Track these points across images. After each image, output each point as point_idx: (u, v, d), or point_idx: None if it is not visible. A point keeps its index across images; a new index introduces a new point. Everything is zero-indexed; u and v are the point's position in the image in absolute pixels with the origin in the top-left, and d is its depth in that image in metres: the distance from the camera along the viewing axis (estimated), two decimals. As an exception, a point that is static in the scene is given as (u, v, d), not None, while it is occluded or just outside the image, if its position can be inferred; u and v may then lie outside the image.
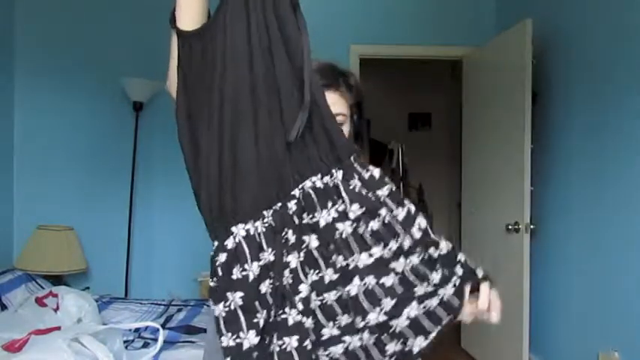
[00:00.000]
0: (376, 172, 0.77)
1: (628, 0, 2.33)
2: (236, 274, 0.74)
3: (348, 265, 0.73)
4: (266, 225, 0.76)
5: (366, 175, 0.76)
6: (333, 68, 1.11)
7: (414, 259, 0.76)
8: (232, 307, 0.73)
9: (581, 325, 2.63)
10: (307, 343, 0.73)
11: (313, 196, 0.75)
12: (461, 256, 0.81)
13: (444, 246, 0.79)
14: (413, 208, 0.77)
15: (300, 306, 0.73)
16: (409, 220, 0.75)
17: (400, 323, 0.74)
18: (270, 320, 0.74)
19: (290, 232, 0.75)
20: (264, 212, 0.76)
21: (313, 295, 0.73)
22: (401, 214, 0.75)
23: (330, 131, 0.78)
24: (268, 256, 0.75)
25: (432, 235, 0.78)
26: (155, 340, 1.97)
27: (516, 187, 2.87)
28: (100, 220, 3.30)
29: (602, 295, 2.46)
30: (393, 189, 0.77)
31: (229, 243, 0.76)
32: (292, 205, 0.75)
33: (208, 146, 0.78)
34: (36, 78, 3.20)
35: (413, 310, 0.74)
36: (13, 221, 3.16)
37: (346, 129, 1.13)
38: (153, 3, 3.53)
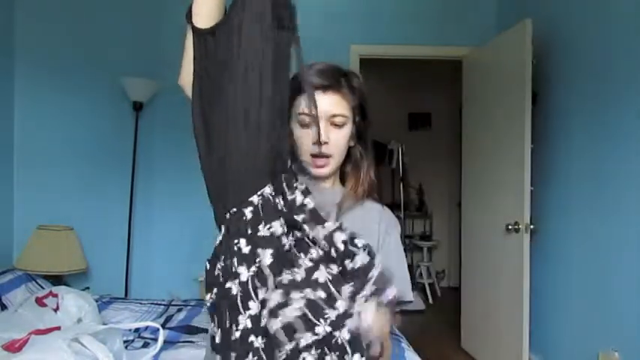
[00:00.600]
0: (299, 197, 0.79)
1: (628, 0, 2.33)
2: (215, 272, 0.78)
3: (291, 279, 0.74)
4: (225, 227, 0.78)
5: (290, 198, 0.78)
6: (336, 70, 1.11)
7: (333, 270, 0.77)
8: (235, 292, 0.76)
9: (581, 325, 2.63)
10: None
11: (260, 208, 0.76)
12: (374, 272, 0.80)
13: (359, 259, 0.79)
14: (332, 227, 0.78)
15: (249, 323, 0.74)
16: (329, 237, 0.77)
17: (342, 335, 0.74)
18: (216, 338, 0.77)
19: (243, 241, 0.76)
20: (227, 215, 0.78)
21: (264, 312, 0.74)
22: (322, 232, 0.77)
23: (277, 145, 0.79)
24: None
25: (350, 248, 0.79)
26: (155, 340, 1.96)
27: (516, 187, 2.87)
28: (100, 220, 3.30)
29: (602, 295, 2.46)
30: (312, 211, 0.79)
31: (218, 239, 0.79)
32: (248, 213, 0.76)
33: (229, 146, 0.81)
34: (36, 78, 3.20)
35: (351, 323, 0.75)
36: (13, 221, 3.16)
37: (347, 130, 1.13)
38: (153, 3, 3.54)
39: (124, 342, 1.79)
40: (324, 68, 1.07)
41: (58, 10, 3.26)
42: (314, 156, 1.07)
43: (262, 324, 0.73)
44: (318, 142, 1.04)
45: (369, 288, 0.78)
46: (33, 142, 3.20)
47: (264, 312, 0.73)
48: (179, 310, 2.58)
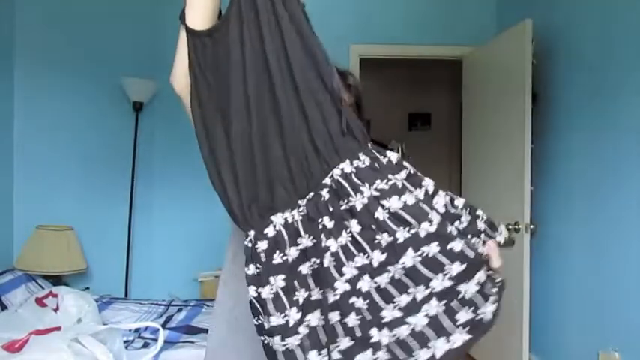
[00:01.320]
0: (394, 157, 0.80)
1: (628, 0, 2.33)
2: (277, 259, 0.77)
3: (396, 239, 0.73)
4: (302, 213, 0.79)
5: (384, 161, 0.79)
6: None
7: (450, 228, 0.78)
8: (275, 290, 0.77)
9: (581, 325, 2.63)
10: (355, 321, 0.74)
11: (344, 182, 0.77)
12: (480, 212, 0.85)
13: (461, 203, 0.82)
14: (431, 188, 0.79)
15: (347, 286, 0.74)
16: (429, 200, 0.77)
17: (469, 289, 0.75)
18: (311, 298, 0.76)
19: (327, 218, 0.76)
20: (299, 202, 0.79)
21: (366, 277, 0.74)
22: (420, 194, 0.77)
23: (350, 120, 0.80)
24: (306, 241, 0.77)
25: (453, 206, 0.80)
26: (155, 340, 1.97)
27: (516, 187, 2.87)
28: (100, 220, 3.31)
29: (602, 295, 2.46)
30: (411, 172, 0.80)
31: (269, 231, 0.79)
32: (325, 194, 0.77)
33: (238, 143, 0.82)
34: (36, 78, 3.20)
35: (480, 274, 0.77)
36: (13, 221, 3.16)
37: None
38: (153, 3, 3.54)
39: (124, 342, 1.80)
40: None
41: (59, 11, 3.26)
42: None
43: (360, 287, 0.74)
44: None
45: (482, 225, 0.84)
46: (33, 142, 3.20)
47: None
48: (179, 310, 2.58)
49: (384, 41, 3.58)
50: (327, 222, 0.76)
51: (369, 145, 0.80)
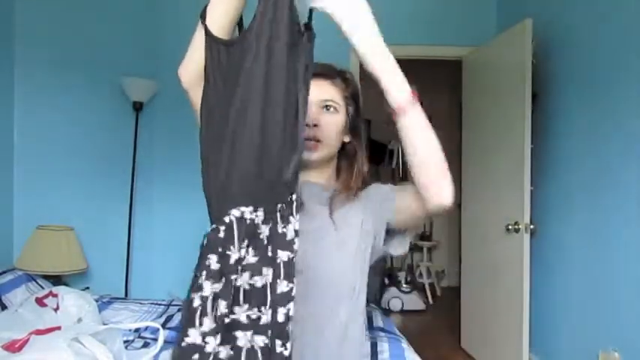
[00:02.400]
0: (291, 231, 0.75)
1: (628, 0, 2.33)
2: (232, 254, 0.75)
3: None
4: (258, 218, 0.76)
5: (280, 230, 0.75)
6: (329, 64, 1.17)
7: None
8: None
9: (581, 325, 2.63)
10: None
11: (235, 226, 0.74)
12: None
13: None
14: (293, 290, 0.74)
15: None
16: (283, 299, 0.72)
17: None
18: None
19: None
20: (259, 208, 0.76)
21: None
22: (281, 286, 0.73)
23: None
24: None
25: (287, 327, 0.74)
26: (155, 340, 1.97)
27: (516, 187, 2.87)
28: (100, 220, 3.30)
29: (602, 294, 2.46)
30: (292, 258, 0.74)
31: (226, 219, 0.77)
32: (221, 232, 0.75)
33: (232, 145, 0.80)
34: (36, 78, 3.20)
35: None
36: (13, 221, 3.16)
37: (339, 118, 1.16)
38: (153, 3, 3.54)
39: (124, 342, 1.79)
40: (318, 65, 1.11)
41: (58, 10, 3.26)
42: (306, 139, 1.09)
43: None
44: (308, 125, 1.07)
45: None
46: (33, 142, 3.20)
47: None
48: (179, 310, 2.58)
49: (384, 41, 3.57)
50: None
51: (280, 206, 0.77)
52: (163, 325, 2.24)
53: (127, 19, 3.41)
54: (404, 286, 4.86)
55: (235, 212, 0.75)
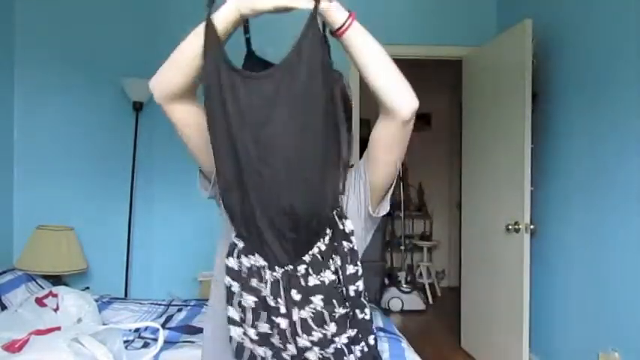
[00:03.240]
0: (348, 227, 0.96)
1: (628, 0, 2.33)
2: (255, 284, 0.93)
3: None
4: (273, 277, 0.91)
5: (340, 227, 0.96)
6: None
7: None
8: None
9: (581, 325, 2.63)
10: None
11: (320, 258, 0.94)
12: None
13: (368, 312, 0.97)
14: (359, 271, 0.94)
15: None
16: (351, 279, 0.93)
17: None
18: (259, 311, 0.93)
19: (294, 292, 0.89)
20: (275, 266, 0.92)
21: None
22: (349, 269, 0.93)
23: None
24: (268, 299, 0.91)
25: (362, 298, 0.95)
26: (155, 340, 1.97)
27: (516, 187, 2.87)
28: (100, 220, 3.30)
29: (602, 294, 2.46)
30: (353, 247, 0.95)
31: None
32: (302, 269, 0.91)
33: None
34: (36, 78, 3.20)
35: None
36: (13, 221, 3.16)
37: None
38: (152, 3, 3.53)
39: (124, 342, 1.79)
40: None
41: (58, 10, 3.26)
42: None
43: None
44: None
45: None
46: (33, 142, 3.20)
47: None
48: (179, 310, 2.58)
49: (384, 41, 3.52)
50: (295, 295, 0.89)
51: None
52: (163, 325, 2.24)
53: (127, 19, 3.41)
54: (404, 286, 4.86)
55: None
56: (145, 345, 2.06)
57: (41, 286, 2.56)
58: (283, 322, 0.88)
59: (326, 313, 0.88)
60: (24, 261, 2.81)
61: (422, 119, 5.87)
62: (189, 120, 0.99)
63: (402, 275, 4.95)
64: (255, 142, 0.83)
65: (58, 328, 1.68)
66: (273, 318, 0.88)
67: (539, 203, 2.95)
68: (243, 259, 0.90)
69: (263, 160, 0.83)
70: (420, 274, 5.38)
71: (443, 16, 3.66)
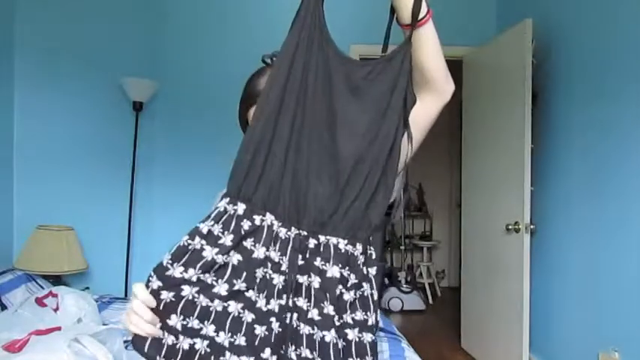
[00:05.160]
0: (374, 253, 0.89)
1: (628, 0, 2.33)
2: (249, 245, 0.81)
3: (332, 315, 0.81)
4: (286, 235, 0.83)
5: (369, 253, 0.87)
6: None
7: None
8: (221, 261, 0.81)
9: (581, 325, 2.63)
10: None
11: (332, 251, 0.83)
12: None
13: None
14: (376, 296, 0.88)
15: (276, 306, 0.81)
16: (374, 304, 0.87)
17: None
18: (234, 288, 0.81)
19: (299, 258, 0.83)
20: (292, 227, 0.84)
21: (295, 315, 0.82)
22: (375, 294, 0.87)
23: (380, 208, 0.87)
24: (276, 255, 0.82)
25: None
26: (155, 340, 1.96)
27: (516, 187, 2.87)
28: (100, 220, 3.30)
29: (602, 295, 2.46)
30: (378, 269, 0.89)
31: (257, 220, 0.82)
32: (311, 244, 0.83)
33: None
34: (36, 78, 3.20)
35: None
36: (13, 221, 3.16)
37: None
38: (152, 3, 3.54)
39: (124, 342, 1.79)
40: None
41: (58, 10, 3.26)
42: None
43: None
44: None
45: None
46: (33, 142, 3.20)
47: None
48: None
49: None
50: (300, 261, 0.83)
51: (370, 238, 0.89)
52: (163, 325, 2.23)
53: (127, 19, 3.41)
54: (404, 286, 4.86)
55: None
56: (145, 345, 2.06)
57: (41, 286, 2.56)
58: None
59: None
60: (24, 261, 2.81)
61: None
62: None
63: (402, 275, 4.95)
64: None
65: (58, 328, 1.68)
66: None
67: (539, 203, 2.96)
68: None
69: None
70: (420, 274, 5.38)
71: (443, 16, 3.64)
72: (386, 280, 4.91)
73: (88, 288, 3.00)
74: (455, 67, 3.77)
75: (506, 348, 2.97)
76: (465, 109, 3.68)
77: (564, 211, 2.81)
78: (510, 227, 2.89)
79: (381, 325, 2.30)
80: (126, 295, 3.23)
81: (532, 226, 2.84)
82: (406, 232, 5.35)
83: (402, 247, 5.16)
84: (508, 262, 2.96)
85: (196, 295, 0.79)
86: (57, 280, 2.87)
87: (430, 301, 5.14)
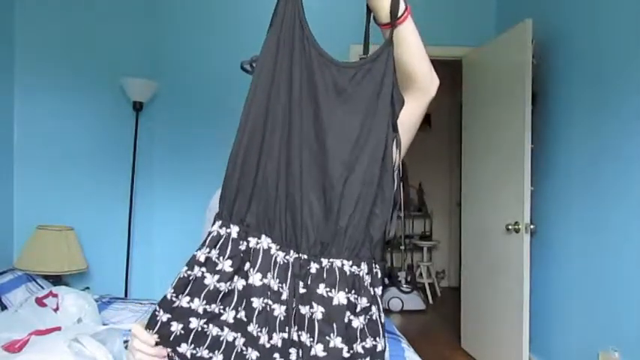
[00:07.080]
0: (380, 271, 0.84)
1: (628, 0, 2.33)
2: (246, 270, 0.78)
3: (339, 348, 0.76)
4: (285, 260, 0.78)
5: (374, 271, 0.82)
6: None
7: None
8: (214, 288, 0.80)
9: (581, 325, 2.63)
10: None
11: (337, 275, 0.77)
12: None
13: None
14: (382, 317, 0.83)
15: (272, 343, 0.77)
16: (382, 328, 0.82)
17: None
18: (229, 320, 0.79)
19: (301, 285, 0.77)
20: (291, 250, 0.78)
21: (300, 352, 0.76)
22: (382, 316, 0.82)
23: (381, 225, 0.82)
24: (275, 283, 0.77)
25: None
26: (155, 340, 1.96)
27: (516, 187, 2.87)
28: (100, 220, 3.30)
29: (602, 294, 2.46)
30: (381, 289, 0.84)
31: (252, 242, 0.78)
32: (313, 268, 0.78)
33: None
34: (36, 78, 3.20)
35: None
36: (13, 221, 3.16)
37: None
38: (153, 3, 3.54)
39: (124, 342, 1.79)
40: None
41: (59, 10, 3.26)
42: None
43: None
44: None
45: None
46: (33, 142, 3.20)
47: None
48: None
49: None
50: (301, 289, 0.77)
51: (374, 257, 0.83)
52: (163, 325, 2.23)
53: (127, 19, 3.41)
54: (404, 286, 4.86)
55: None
56: (145, 345, 2.06)
57: (41, 286, 2.56)
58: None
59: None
60: (24, 261, 2.81)
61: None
62: None
63: (402, 275, 4.95)
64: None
65: (58, 328, 1.68)
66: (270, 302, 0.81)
67: (539, 203, 2.96)
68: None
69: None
70: (420, 274, 5.38)
71: (443, 16, 3.66)
72: (386, 280, 4.91)
73: (88, 288, 3.00)
74: (455, 67, 3.79)
75: (506, 348, 2.97)
76: (464, 110, 3.68)
77: (564, 211, 2.81)
78: (510, 227, 2.89)
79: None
80: (126, 295, 3.23)
81: (532, 226, 2.83)
82: (406, 232, 5.35)
83: (402, 247, 5.16)
84: (508, 262, 2.95)
85: (205, 326, 0.77)
86: (57, 280, 2.87)
87: (430, 301, 5.14)
